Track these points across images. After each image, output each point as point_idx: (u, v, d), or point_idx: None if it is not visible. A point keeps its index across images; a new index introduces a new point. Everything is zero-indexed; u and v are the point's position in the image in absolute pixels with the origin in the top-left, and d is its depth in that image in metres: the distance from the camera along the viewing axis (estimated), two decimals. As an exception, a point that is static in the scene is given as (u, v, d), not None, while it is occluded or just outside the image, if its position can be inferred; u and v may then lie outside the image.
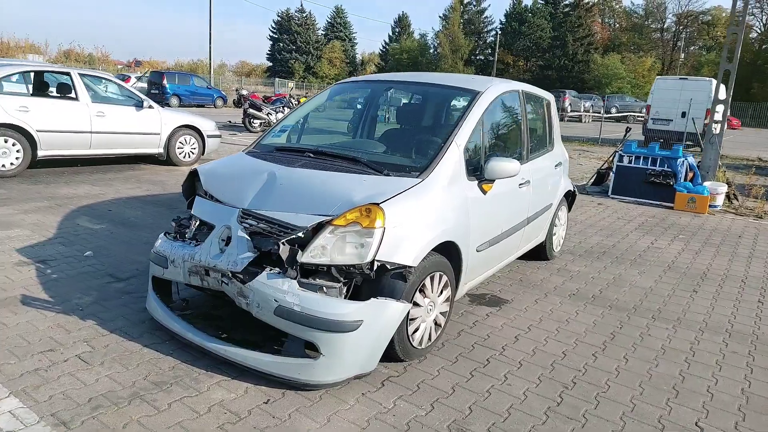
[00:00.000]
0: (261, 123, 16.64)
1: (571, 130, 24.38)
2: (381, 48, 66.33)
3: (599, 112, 28.48)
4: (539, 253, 5.03)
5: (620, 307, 4.09)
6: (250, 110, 16.50)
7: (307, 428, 2.36)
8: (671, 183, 8.46)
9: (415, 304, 2.89)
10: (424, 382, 2.83)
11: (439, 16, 60.28)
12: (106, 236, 4.93)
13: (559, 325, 3.68)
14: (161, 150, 8.80)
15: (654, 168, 8.69)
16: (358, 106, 4.98)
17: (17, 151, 7.14)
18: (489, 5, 72.18)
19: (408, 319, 2.85)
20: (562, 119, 28.11)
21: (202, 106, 26.59)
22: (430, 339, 3.10)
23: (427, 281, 2.95)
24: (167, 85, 25.45)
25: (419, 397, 2.69)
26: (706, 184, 8.49)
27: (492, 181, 3.45)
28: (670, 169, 8.52)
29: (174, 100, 25.20)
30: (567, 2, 56.24)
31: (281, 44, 62.38)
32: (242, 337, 3.02)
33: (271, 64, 64.68)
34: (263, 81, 50.65)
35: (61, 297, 3.53)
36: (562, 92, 33.73)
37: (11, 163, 7.14)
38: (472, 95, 3.67)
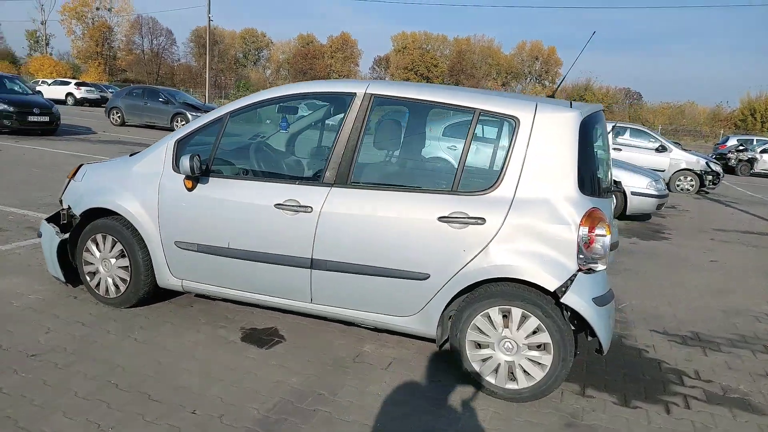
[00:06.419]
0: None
1: None
2: None
3: None
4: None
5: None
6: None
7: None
8: None
9: (89, 252, 3.73)
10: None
11: None
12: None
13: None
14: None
15: None
16: None
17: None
18: None
19: (83, 261, 3.77)
20: None
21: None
22: (109, 292, 3.73)
23: (99, 238, 3.67)
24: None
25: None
26: None
27: (190, 178, 3.36)
28: None
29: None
30: None
31: None
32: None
33: None
34: None
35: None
36: None
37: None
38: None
